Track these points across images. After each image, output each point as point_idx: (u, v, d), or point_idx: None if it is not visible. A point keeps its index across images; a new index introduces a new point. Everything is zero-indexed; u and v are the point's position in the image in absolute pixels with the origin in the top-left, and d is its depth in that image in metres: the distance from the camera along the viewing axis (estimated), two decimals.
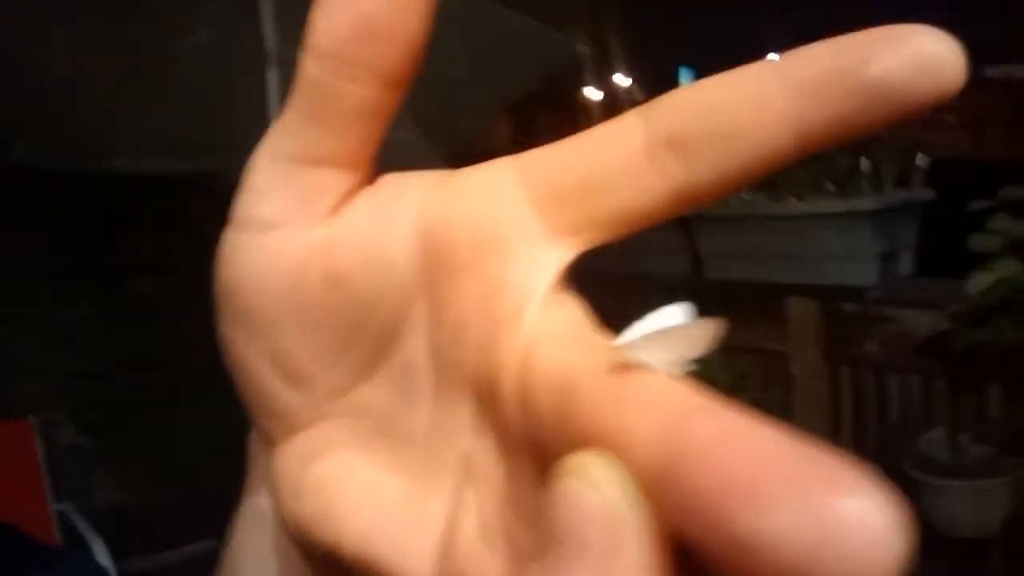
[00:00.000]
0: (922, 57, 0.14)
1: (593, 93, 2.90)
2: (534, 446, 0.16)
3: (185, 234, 1.74)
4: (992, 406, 1.93)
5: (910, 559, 0.10)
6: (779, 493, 0.11)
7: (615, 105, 2.80)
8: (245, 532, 0.22)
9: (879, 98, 0.15)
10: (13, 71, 1.65)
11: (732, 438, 0.12)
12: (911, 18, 0.15)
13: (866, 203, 2.14)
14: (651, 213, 0.17)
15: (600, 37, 2.94)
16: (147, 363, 2.42)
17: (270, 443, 0.20)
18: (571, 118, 2.84)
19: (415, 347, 0.19)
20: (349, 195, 0.19)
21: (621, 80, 2.98)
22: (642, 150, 0.17)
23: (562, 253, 0.18)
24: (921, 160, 2.27)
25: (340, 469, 0.19)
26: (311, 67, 0.18)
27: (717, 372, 1.93)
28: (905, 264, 2.26)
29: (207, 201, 1.65)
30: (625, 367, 0.14)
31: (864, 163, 2.19)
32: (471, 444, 0.18)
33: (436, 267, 0.18)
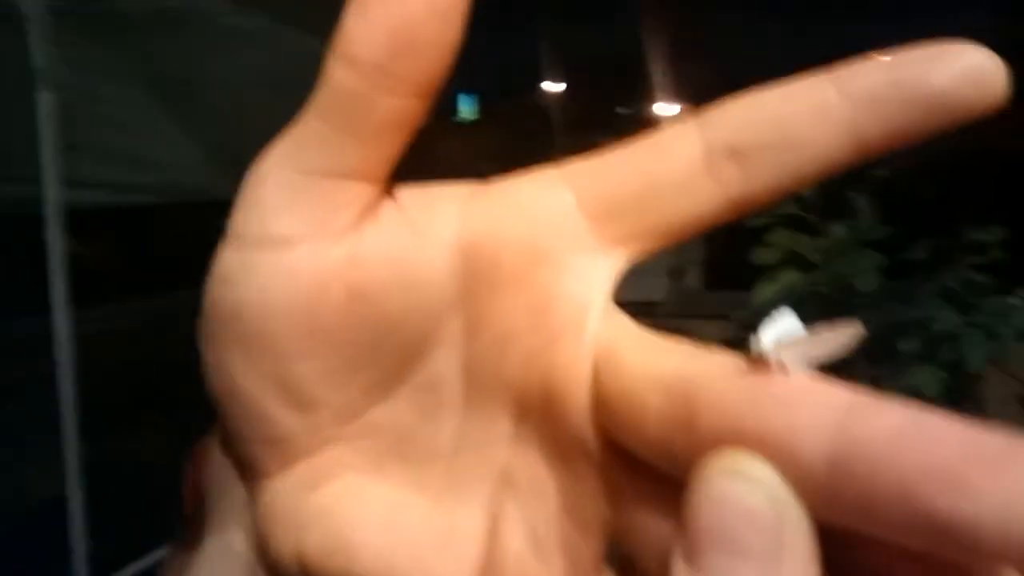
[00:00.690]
0: (976, 71, 0.15)
1: None
2: (605, 455, 0.16)
3: None
4: None
5: None
6: (980, 477, 0.11)
7: None
8: (210, 574, 0.20)
9: (939, 109, 0.15)
10: None
11: (915, 428, 0.12)
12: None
13: None
14: (704, 221, 0.17)
15: None
16: None
17: (260, 474, 0.19)
18: None
19: (444, 362, 0.19)
20: (370, 209, 0.18)
21: None
22: (701, 160, 0.17)
23: (614, 262, 0.18)
24: None
25: (350, 493, 0.18)
26: (343, 76, 0.17)
27: None
28: (694, 278, 2.41)
29: None
30: (761, 369, 0.14)
31: None
32: (509, 457, 0.18)
33: (478, 280, 0.18)
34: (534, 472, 0.17)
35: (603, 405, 0.16)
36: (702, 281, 2.45)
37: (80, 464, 1.60)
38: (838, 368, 0.14)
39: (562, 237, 0.18)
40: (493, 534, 0.17)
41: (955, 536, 0.11)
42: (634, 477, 0.16)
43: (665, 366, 0.15)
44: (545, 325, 0.17)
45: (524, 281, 0.18)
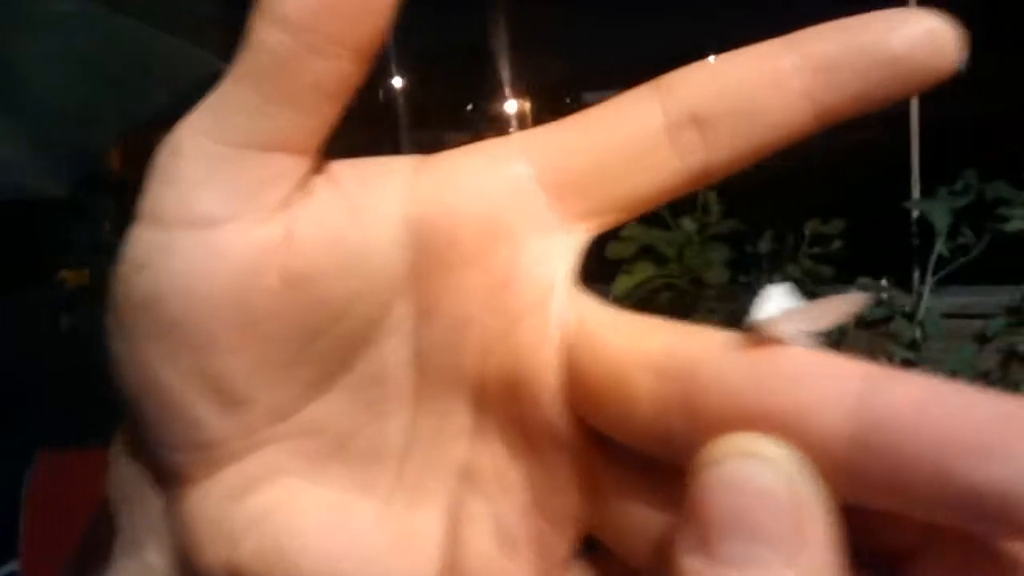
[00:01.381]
0: (935, 35, 0.15)
1: None
2: (578, 443, 0.16)
3: None
4: None
5: None
6: (1015, 442, 0.11)
7: None
8: None
9: (895, 75, 0.15)
10: None
11: (940, 397, 0.12)
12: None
13: None
14: (665, 192, 0.17)
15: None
16: None
17: (182, 482, 0.17)
18: None
19: (391, 351, 0.17)
20: (301, 185, 0.17)
21: None
22: (662, 128, 0.17)
23: (576, 238, 0.17)
24: None
25: (287, 499, 0.17)
26: (270, 37, 0.16)
27: None
28: None
29: None
30: (762, 344, 0.14)
31: None
32: (469, 451, 0.17)
33: (429, 260, 0.17)
34: (498, 465, 0.17)
35: (580, 389, 0.16)
36: None
37: None
38: None
39: (520, 212, 0.17)
40: (454, 534, 0.17)
41: (987, 505, 0.11)
42: (611, 464, 0.16)
43: (653, 345, 0.15)
44: (506, 307, 0.17)
45: (481, 260, 0.17)
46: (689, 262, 1.90)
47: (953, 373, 1.67)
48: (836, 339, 1.59)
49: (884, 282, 1.94)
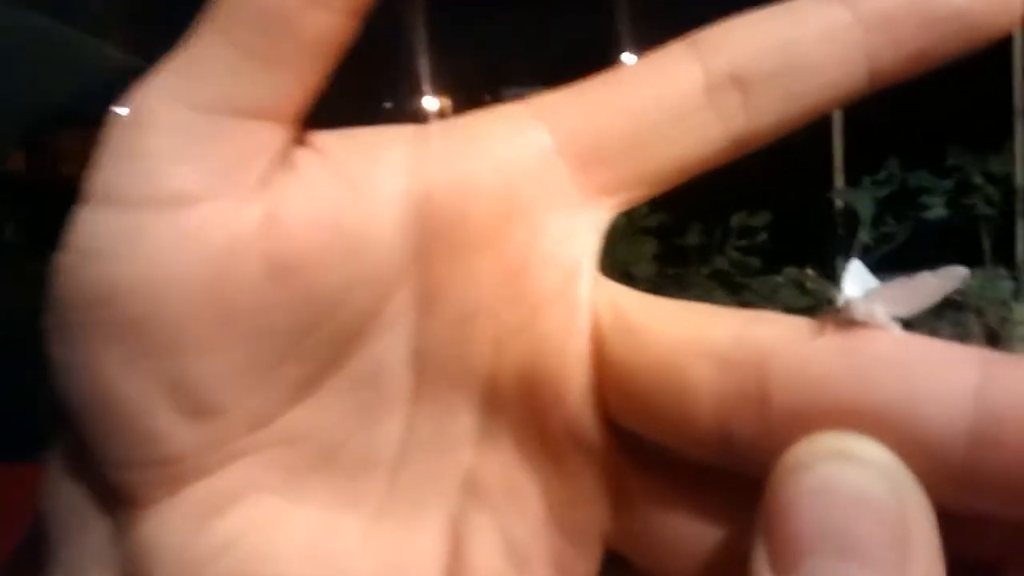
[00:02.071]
0: None
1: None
2: (608, 448, 0.15)
3: None
4: None
5: None
6: None
7: None
8: None
9: (957, 30, 0.14)
10: None
11: None
12: None
13: None
14: (702, 163, 0.16)
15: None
16: None
17: (134, 504, 0.15)
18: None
19: (387, 348, 0.16)
20: (285, 158, 0.15)
21: None
22: (700, 90, 0.15)
23: (600, 216, 0.16)
24: None
25: (263, 519, 0.15)
26: None
27: None
28: None
29: None
30: (846, 329, 0.12)
31: None
32: (474, 458, 0.16)
33: (435, 243, 0.15)
34: (509, 475, 0.15)
35: (618, 386, 0.14)
36: None
37: None
38: None
39: (539, 187, 0.15)
40: (457, 552, 0.15)
41: None
42: (641, 471, 0.15)
43: (713, 332, 0.14)
44: (524, 295, 0.15)
45: (495, 242, 0.15)
46: (618, 255, 1.89)
47: None
48: None
49: (810, 271, 1.96)
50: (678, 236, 2.01)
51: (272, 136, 0.15)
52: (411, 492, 0.16)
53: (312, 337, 0.15)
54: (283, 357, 0.15)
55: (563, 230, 0.15)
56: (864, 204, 1.87)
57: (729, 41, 0.15)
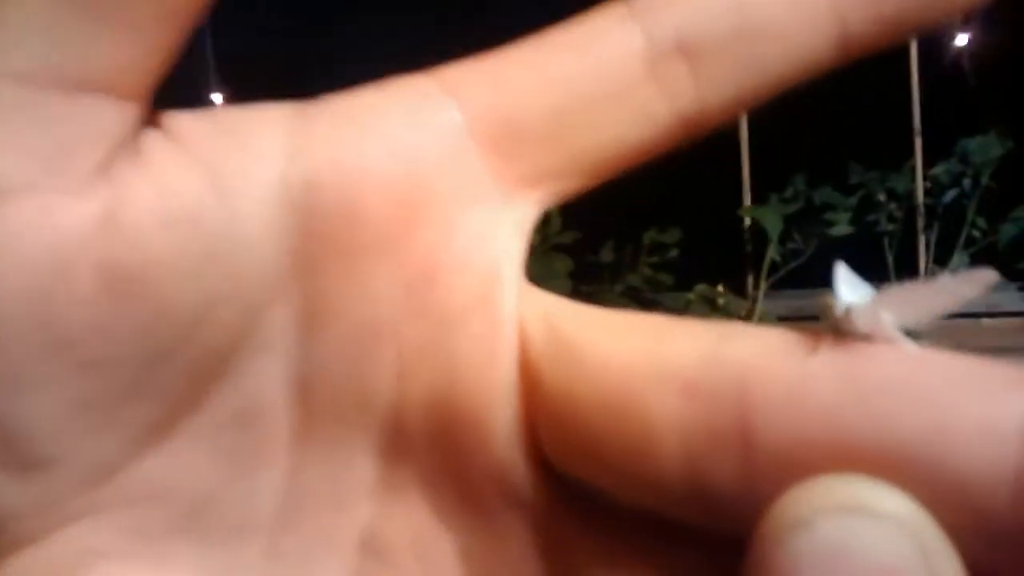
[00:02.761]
0: None
1: None
2: (542, 496, 0.13)
3: None
4: None
5: None
6: None
7: None
8: None
9: None
10: None
11: None
12: None
13: None
14: (644, 147, 0.14)
15: None
16: None
17: None
18: None
19: (263, 377, 0.13)
20: (128, 143, 0.12)
21: None
22: (642, 61, 0.13)
23: (523, 212, 0.14)
24: None
25: None
26: None
27: None
28: None
29: None
30: (844, 344, 0.10)
31: None
32: (374, 513, 0.13)
33: (319, 246, 0.13)
34: (418, 534, 0.13)
35: (556, 421, 0.12)
36: None
37: None
38: None
39: (448, 176, 0.13)
40: None
41: None
42: (589, 529, 0.13)
43: (677, 351, 0.11)
44: (431, 308, 0.13)
45: (394, 245, 0.13)
46: (532, 272, 1.90)
47: None
48: None
49: (720, 288, 2.00)
50: (591, 253, 2.03)
51: (112, 115, 0.12)
52: (297, 557, 0.13)
53: (165, 367, 0.13)
54: (129, 393, 0.12)
55: (478, 229, 0.13)
56: (772, 221, 1.92)
57: (676, 2, 0.13)
